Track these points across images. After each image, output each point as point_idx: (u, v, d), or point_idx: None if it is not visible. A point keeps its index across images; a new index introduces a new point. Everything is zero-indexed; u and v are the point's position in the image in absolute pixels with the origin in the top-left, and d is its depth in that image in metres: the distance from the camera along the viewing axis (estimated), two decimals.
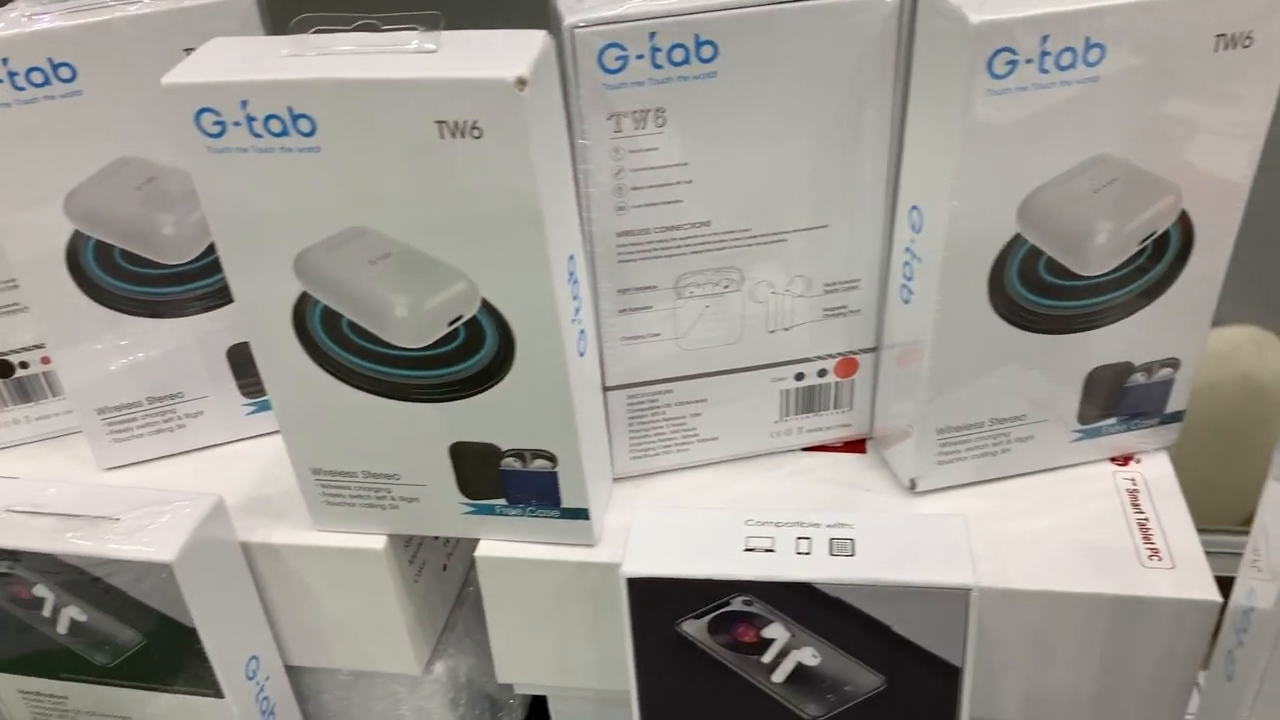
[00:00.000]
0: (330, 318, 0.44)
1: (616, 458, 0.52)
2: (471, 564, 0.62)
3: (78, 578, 0.48)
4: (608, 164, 0.44)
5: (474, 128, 0.38)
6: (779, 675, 0.45)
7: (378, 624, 0.53)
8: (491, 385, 0.45)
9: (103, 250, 0.51)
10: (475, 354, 0.44)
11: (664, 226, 0.46)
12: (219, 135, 0.40)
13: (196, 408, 0.56)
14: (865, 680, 0.44)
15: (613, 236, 0.46)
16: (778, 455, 0.53)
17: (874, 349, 0.51)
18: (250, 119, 0.39)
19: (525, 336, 0.43)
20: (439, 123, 0.38)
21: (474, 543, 0.62)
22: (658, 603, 0.44)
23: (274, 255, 0.43)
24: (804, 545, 0.43)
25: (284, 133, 0.39)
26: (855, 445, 0.54)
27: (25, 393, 0.58)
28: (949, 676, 0.43)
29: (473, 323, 0.43)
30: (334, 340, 0.45)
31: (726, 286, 0.48)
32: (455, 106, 0.38)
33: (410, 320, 0.43)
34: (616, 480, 0.53)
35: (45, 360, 0.58)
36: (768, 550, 0.43)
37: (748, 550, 0.43)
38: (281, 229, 0.42)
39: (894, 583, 0.42)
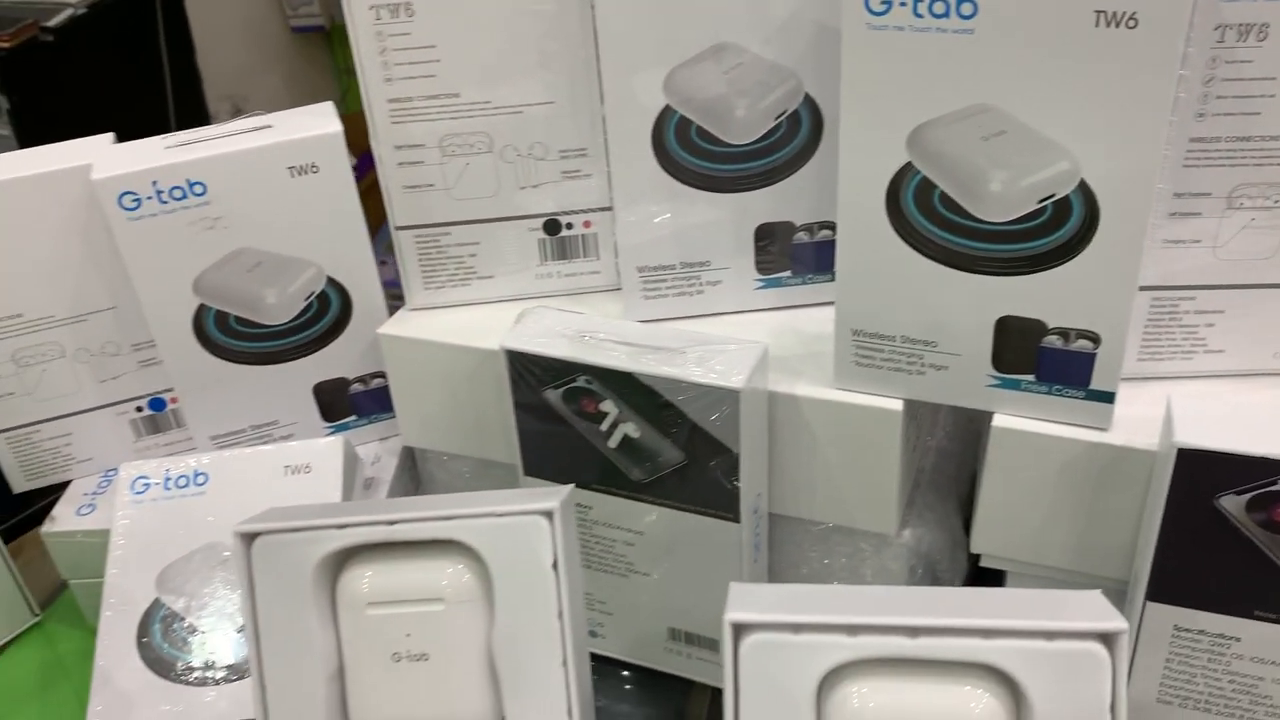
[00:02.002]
0: (924, 190, 0.50)
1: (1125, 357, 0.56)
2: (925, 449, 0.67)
3: (646, 397, 0.56)
4: (1201, 71, 0.48)
5: (1130, 18, 0.43)
6: None
7: (870, 482, 0.59)
8: (1060, 263, 0.50)
9: (684, 126, 0.59)
10: (1055, 231, 0.49)
11: (1235, 136, 0.50)
12: (883, 13, 0.47)
13: (717, 277, 0.64)
14: None
15: (1185, 140, 0.50)
16: (1274, 376, 0.56)
17: None
18: (917, 0, 0.46)
19: (1111, 218, 0.48)
20: (1098, 11, 0.43)
21: (939, 423, 0.68)
22: (1201, 476, 0.48)
23: (892, 128, 0.49)
24: None
25: (945, 14, 0.46)
26: None
27: (563, 251, 0.67)
28: None
29: (1062, 201, 0.48)
30: (921, 211, 0.51)
31: (1277, 202, 0.51)
32: None
33: (1003, 195, 0.49)
34: None
35: (587, 224, 0.67)
36: None
37: None
38: (910, 103, 0.48)
39: None
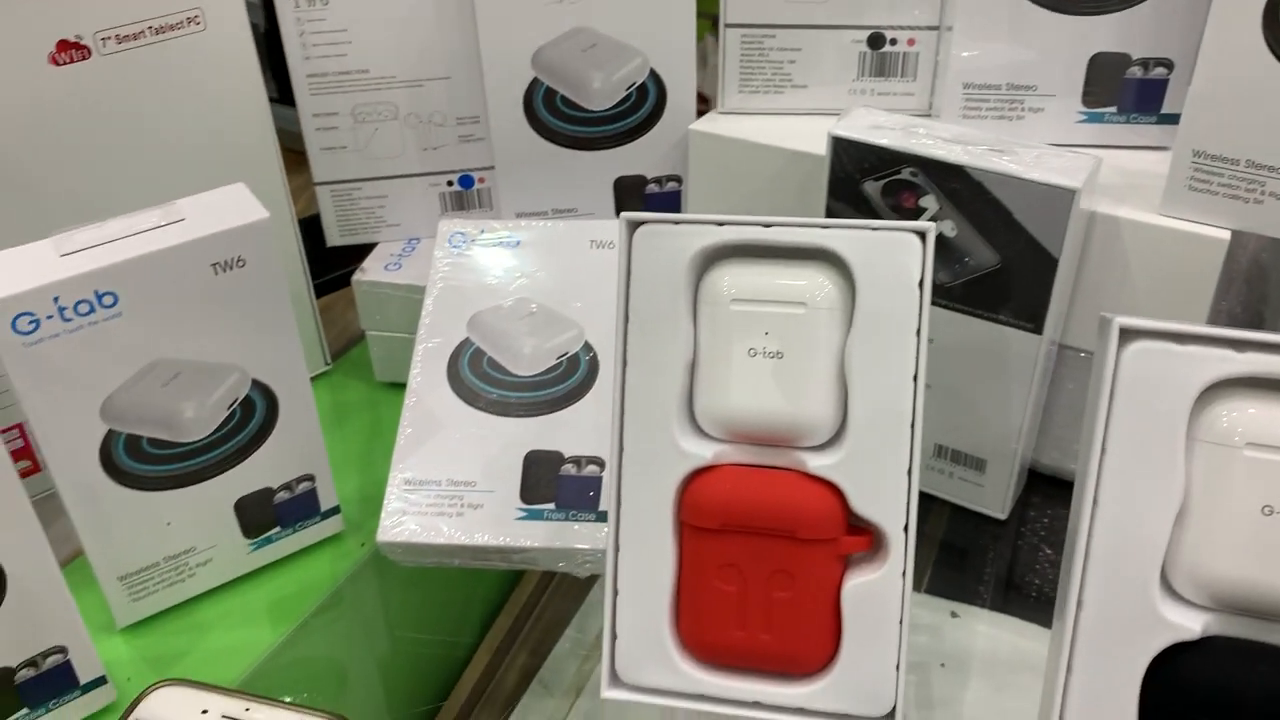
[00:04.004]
0: None
1: None
2: None
3: (973, 194, 0.58)
4: None
5: None
6: None
7: (1178, 317, 0.59)
8: None
9: None
10: None
11: None
12: None
13: (1040, 104, 0.64)
14: None
15: None
16: None
17: None
18: None
19: None
20: None
21: (1233, 290, 0.67)
22: None
23: None
24: None
25: None
26: None
27: (881, 67, 0.69)
28: None
29: None
30: None
31: None
32: None
33: None
34: None
35: (910, 42, 0.68)
36: None
37: None
38: None
39: None
